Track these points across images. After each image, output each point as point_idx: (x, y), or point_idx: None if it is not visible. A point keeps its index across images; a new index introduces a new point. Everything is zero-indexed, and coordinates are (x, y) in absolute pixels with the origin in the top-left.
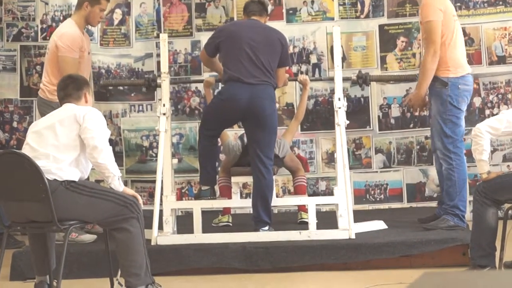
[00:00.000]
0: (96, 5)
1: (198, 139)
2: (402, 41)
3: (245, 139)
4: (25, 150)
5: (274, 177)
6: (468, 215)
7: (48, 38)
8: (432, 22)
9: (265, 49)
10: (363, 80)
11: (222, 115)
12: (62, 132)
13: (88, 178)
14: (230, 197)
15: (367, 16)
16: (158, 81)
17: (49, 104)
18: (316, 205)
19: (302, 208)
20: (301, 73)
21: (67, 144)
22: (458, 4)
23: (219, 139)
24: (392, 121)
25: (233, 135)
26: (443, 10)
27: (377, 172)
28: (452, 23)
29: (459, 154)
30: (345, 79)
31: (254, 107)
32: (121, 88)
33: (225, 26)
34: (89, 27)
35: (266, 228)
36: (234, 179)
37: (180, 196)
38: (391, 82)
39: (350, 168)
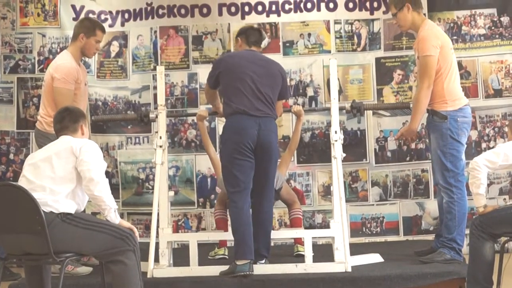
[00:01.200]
0: (92, 36)
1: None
2: (399, 74)
3: None
4: (22, 182)
5: None
6: (465, 249)
7: (45, 70)
8: (428, 57)
9: (267, 82)
10: (357, 109)
11: (238, 148)
12: (59, 164)
13: (84, 211)
14: (226, 230)
15: (363, 49)
16: (151, 115)
17: (47, 136)
18: (313, 238)
19: (298, 241)
20: (297, 104)
21: (63, 176)
22: (455, 37)
23: (248, 199)
24: (389, 154)
25: None
26: (440, 45)
27: (373, 205)
28: (450, 56)
29: (460, 188)
30: (339, 109)
31: (262, 140)
32: None
33: (223, 57)
34: (86, 59)
35: (263, 261)
36: None
37: (176, 229)
38: (386, 115)
39: (347, 201)
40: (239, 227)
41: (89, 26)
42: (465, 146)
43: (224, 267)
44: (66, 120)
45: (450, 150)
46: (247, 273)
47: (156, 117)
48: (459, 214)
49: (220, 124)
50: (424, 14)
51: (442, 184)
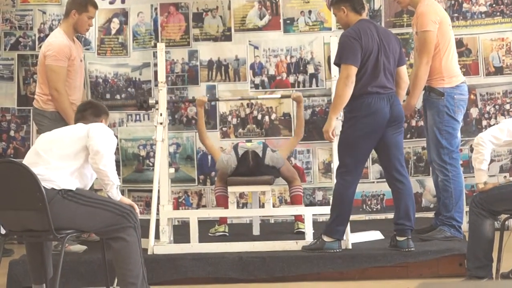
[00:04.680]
0: (83, 12)
1: (338, 187)
2: None
3: (239, 151)
4: (29, 153)
5: (270, 187)
6: (465, 226)
7: None
8: (428, 32)
9: (391, 57)
10: None
11: (368, 131)
12: (70, 141)
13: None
14: (227, 207)
15: None
16: (151, 101)
17: (43, 114)
18: (313, 215)
19: (299, 218)
20: (296, 82)
21: (70, 153)
22: (456, 14)
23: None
24: None
25: (229, 144)
26: (439, 21)
27: (373, 182)
28: (448, 33)
29: (455, 165)
30: None
31: (396, 115)
32: (118, 97)
33: (358, 30)
34: (87, 36)
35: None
36: (230, 189)
37: (176, 206)
38: None
39: None
40: (341, 204)
41: (81, 2)
42: (461, 123)
43: (225, 244)
44: (88, 113)
45: (446, 127)
46: (336, 250)
47: (156, 103)
48: (456, 191)
49: (221, 102)
50: None
51: (437, 161)
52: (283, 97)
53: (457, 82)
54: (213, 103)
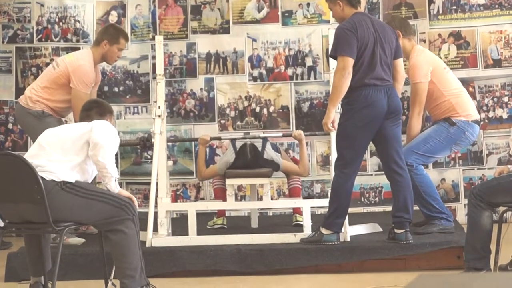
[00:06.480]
0: (115, 44)
1: (336, 180)
2: None
3: (237, 144)
4: (33, 146)
5: (268, 180)
6: (463, 218)
7: (43, 40)
8: (418, 84)
9: (388, 50)
10: None
11: (366, 123)
12: (74, 136)
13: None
14: (225, 199)
15: None
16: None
17: (29, 112)
18: (311, 207)
19: (297, 211)
20: (295, 75)
21: (73, 148)
22: (454, 7)
23: (357, 173)
24: None
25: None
26: (431, 70)
27: (372, 175)
28: (445, 76)
29: (416, 166)
30: None
31: (393, 108)
32: (116, 89)
33: (354, 22)
34: (85, 28)
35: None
36: (229, 182)
37: (175, 198)
38: None
39: None
40: (339, 197)
41: (113, 33)
42: (445, 156)
43: (223, 237)
44: (93, 112)
45: (436, 143)
46: (335, 243)
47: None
48: (425, 188)
49: (219, 94)
50: None
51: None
52: (285, 135)
53: (471, 118)
54: (211, 95)
